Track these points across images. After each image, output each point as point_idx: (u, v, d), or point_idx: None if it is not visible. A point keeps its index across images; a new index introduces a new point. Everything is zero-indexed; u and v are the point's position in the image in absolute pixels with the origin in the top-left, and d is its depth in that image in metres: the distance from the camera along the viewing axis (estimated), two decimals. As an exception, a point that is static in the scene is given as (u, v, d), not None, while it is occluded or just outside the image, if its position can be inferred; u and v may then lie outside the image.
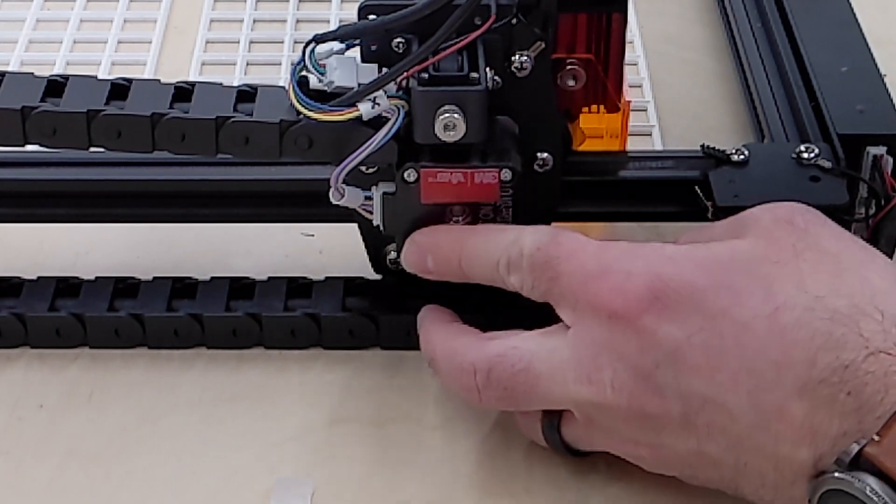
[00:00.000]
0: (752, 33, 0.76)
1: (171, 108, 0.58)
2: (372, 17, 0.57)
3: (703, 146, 0.62)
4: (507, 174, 0.57)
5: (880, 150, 0.63)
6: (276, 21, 0.83)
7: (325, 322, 0.62)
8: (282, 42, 0.81)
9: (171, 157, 0.59)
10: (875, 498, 0.48)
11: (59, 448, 0.58)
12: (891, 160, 0.63)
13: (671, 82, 0.78)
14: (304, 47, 0.57)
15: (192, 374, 0.62)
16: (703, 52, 0.81)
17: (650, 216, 0.65)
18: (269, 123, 0.57)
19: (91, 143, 0.58)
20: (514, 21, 0.57)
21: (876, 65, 0.68)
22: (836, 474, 0.49)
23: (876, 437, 0.48)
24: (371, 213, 0.59)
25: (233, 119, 0.57)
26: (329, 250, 0.67)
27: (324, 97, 0.57)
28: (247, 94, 0.58)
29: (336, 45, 0.57)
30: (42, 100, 0.58)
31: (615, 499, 0.57)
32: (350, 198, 0.58)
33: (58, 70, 0.78)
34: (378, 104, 0.55)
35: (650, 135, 0.74)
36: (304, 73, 0.57)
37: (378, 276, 0.63)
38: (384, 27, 0.57)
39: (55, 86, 0.58)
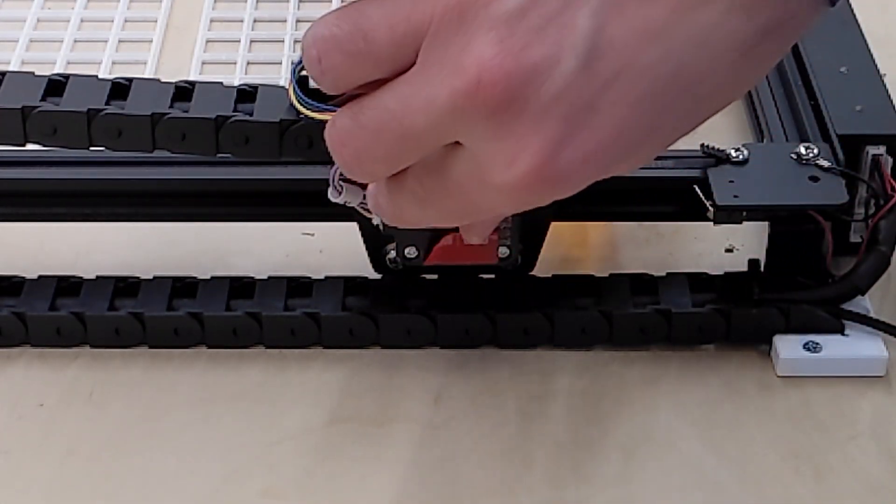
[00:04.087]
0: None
1: (171, 107, 0.58)
2: (372, 16, 0.57)
3: (702, 146, 0.62)
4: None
5: (880, 149, 0.63)
6: (277, 21, 0.83)
7: (325, 321, 0.62)
8: (282, 42, 0.81)
9: (171, 157, 0.59)
10: None
11: (59, 447, 0.58)
12: (890, 160, 0.63)
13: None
14: (305, 47, 0.57)
15: (192, 372, 0.62)
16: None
17: (650, 216, 0.65)
18: (270, 123, 0.57)
19: (91, 143, 0.58)
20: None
21: (875, 65, 0.68)
22: None
23: None
24: (370, 212, 0.59)
25: (233, 119, 0.57)
26: (329, 250, 0.67)
27: (324, 97, 0.56)
28: (247, 94, 0.58)
29: (336, 45, 0.57)
30: (42, 99, 0.58)
31: (615, 499, 0.57)
32: (348, 195, 0.58)
33: (58, 69, 0.78)
34: (378, 104, 0.55)
35: (650, 134, 0.74)
36: (304, 72, 0.57)
37: (378, 276, 0.63)
38: (384, 27, 0.57)
39: (56, 85, 0.58)
